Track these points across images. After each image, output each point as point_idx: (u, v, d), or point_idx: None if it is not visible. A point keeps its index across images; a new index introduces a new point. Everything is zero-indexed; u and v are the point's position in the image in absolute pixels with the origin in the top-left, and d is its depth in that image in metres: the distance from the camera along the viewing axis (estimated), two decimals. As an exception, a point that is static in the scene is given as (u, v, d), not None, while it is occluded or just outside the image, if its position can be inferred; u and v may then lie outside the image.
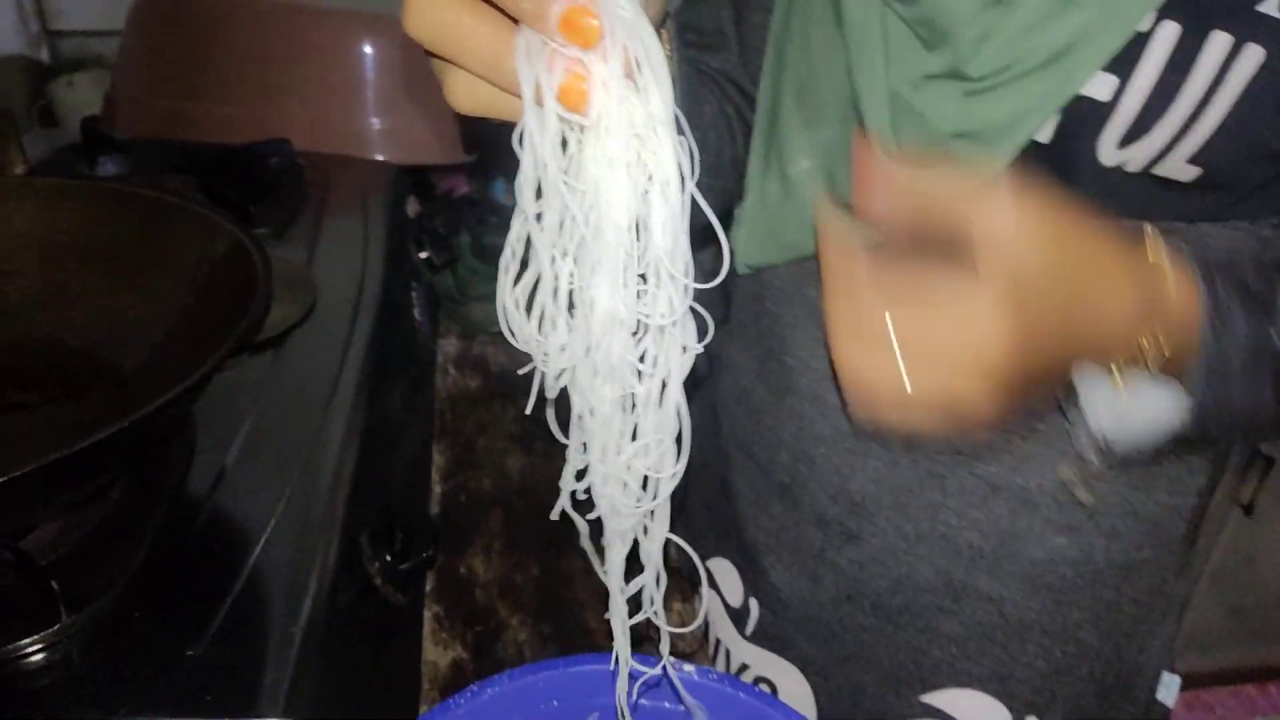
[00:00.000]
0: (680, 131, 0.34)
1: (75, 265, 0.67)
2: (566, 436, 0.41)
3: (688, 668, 0.55)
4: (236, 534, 0.61)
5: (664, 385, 0.38)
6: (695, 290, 0.36)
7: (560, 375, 0.38)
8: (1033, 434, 0.58)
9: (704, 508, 0.76)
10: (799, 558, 0.67)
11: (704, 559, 0.75)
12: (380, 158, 1.16)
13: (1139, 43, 0.46)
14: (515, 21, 0.33)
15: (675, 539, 0.43)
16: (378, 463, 0.74)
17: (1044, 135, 0.50)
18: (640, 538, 0.42)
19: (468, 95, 0.35)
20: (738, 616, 0.72)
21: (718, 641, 0.75)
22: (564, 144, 0.34)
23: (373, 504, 0.70)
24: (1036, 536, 0.60)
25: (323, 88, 1.15)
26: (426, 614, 0.76)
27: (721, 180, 0.67)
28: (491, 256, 1.09)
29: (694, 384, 0.39)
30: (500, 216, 1.16)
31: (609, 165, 0.33)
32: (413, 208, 1.13)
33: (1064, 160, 0.50)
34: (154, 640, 0.54)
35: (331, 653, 0.57)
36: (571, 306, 0.37)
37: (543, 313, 0.37)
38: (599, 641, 0.74)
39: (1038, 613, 0.62)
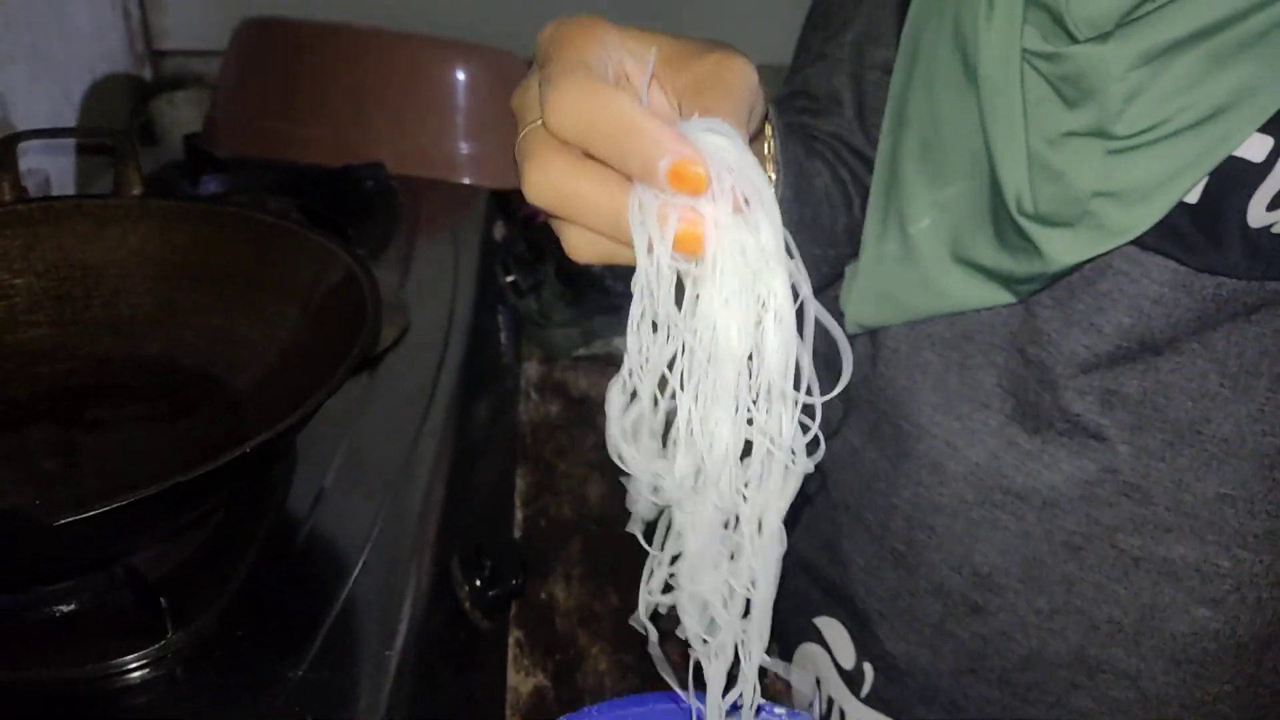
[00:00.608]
0: (790, 254, 0.35)
1: (188, 285, 0.69)
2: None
3: (779, 710, 0.54)
4: (334, 556, 0.62)
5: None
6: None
7: (662, 496, 0.38)
8: (1176, 503, 0.57)
9: (805, 568, 0.75)
10: (916, 627, 0.65)
11: (811, 616, 0.74)
12: (469, 181, 1.18)
13: None
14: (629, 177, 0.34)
15: (772, 663, 0.42)
16: (466, 487, 0.75)
17: (1192, 196, 0.49)
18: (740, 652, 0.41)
19: (588, 249, 0.37)
20: (850, 679, 0.71)
21: (830, 700, 0.73)
22: (679, 282, 0.35)
23: (462, 528, 0.71)
24: (1179, 610, 0.58)
25: (415, 112, 1.18)
26: (509, 639, 0.76)
27: (836, 249, 0.66)
28: (574, 281, 1.10)
29: (803, 500, 0.39)
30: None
31: (725, 303, 0.34)
32: (499, 231, 1.15)
33: (1210, 221, 0.49)
34: (255, 660, 0.55)
35: (423, 676, 0.58)
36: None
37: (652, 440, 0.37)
38: (680, 673, 0.74)
39: (1176, 687, 0.60)
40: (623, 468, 0.38)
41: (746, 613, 0.40)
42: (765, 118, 0.51)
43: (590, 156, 0.35)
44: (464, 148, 1.19)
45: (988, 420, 0.60)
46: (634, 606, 0.89)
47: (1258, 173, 0.46)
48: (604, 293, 1.09)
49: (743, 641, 0.41)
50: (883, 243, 0.61)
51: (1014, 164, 0.52)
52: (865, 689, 0.70)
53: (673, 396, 0.36)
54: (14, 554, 0.46)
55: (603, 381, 1.12)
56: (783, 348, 0.35)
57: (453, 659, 0.64)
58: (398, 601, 0.60)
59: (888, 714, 0.69)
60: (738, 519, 0.38)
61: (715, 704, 0.44)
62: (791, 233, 0.45)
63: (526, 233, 1.17)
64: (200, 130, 1.22)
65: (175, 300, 0.69)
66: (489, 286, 1.02)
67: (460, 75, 1.18)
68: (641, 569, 0.40)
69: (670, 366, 0.36)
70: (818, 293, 0.55)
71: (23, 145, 0.74)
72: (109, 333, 0.68)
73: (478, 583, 0.67)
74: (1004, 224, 0.53)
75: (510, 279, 1.07)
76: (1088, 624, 0.60)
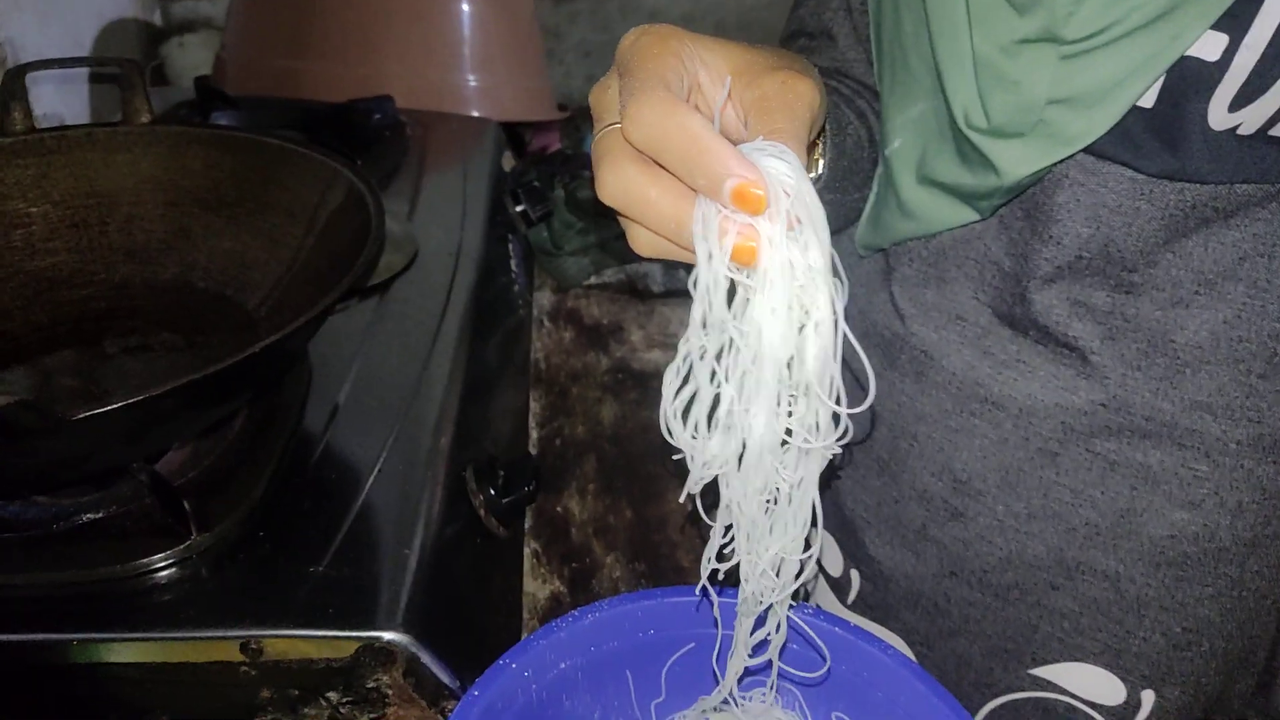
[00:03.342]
0: (835, 274, 0.38)
1: (199, 209, 0.71)
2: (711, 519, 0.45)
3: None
4: (350, 466, 0.64)
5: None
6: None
7: (709, 474, 0.43)
8: (1154, 411, 0.57)
9: None
10: (900, 533, 0.66)
11: None
12: (477, 114, 1.18)
13: None
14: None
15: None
16: (478, 405, 0.77)
17: (1148, 100, 0.48)
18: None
19: (650, 246, 0.40)
20: (838, 586, 0.72)
21: (818, 608, 0.75)
22: (731, 286, 0.39)
23: (475, 442, 0.73)
24: (1157, 513, 0.58)
25: (422, 46, 1.18)
26: (526, 549, 0.78)
27: (869, 189, 0.66)
28: (585, 210, 1.11)
29: (830, 474, 0.42)
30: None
31: (772, 312, 0.38)
32: (508, 163, 1.15)
33: (1171, 126, 0.48)
34: (278, 558, 0.58)
35: (441, 576, 0.60)
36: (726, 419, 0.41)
37: (699, 422, 0.42)
38: (691, 580, 0.76)
39: (1156, 589, 0.60)
40: (671, 443, 0.42)
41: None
42: (824, 125, 0.53)
43: (661, 165, 0.38)
44: (472, 80, 1.20)
45: (965, 331, 0.60)
46: (648, 520, 0.91)
47: (1214, 72, 0.45)
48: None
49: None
50: (877, 166, 0.62)
51: (960, 76, 0.51)
52: (852, 595, 0.71)
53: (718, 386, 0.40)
54: (35, 450, 0.48)
55: (614, 308, 1.14)
56: (821, 354, 0.39)
57: (469, 562, 0.66)
58: (414, 506, 0.62)
59: (874, 620, 0.70)
60: (776, 496, 0.43)
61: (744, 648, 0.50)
62: (836, 184, 0.49)
63: (536, 164, 1.18)
64: (209, 73, 1.23)
65: (187, 225, 0.71)
66: (499, 217, 1.03)
67: (466, 8, 1.18)
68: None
69: (719, 360, 0.40)
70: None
71: (36, 90, 0.75)
72: (125, 258, 0.70)
73: (492, 491, 0.69)
74: (962, 140, 0.53)
75: (520, 209, 1.08)
76: (1065, 527, 0.60)
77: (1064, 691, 0.64)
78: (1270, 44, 0.44)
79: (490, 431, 0.79)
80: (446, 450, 0.68)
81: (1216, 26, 0.44)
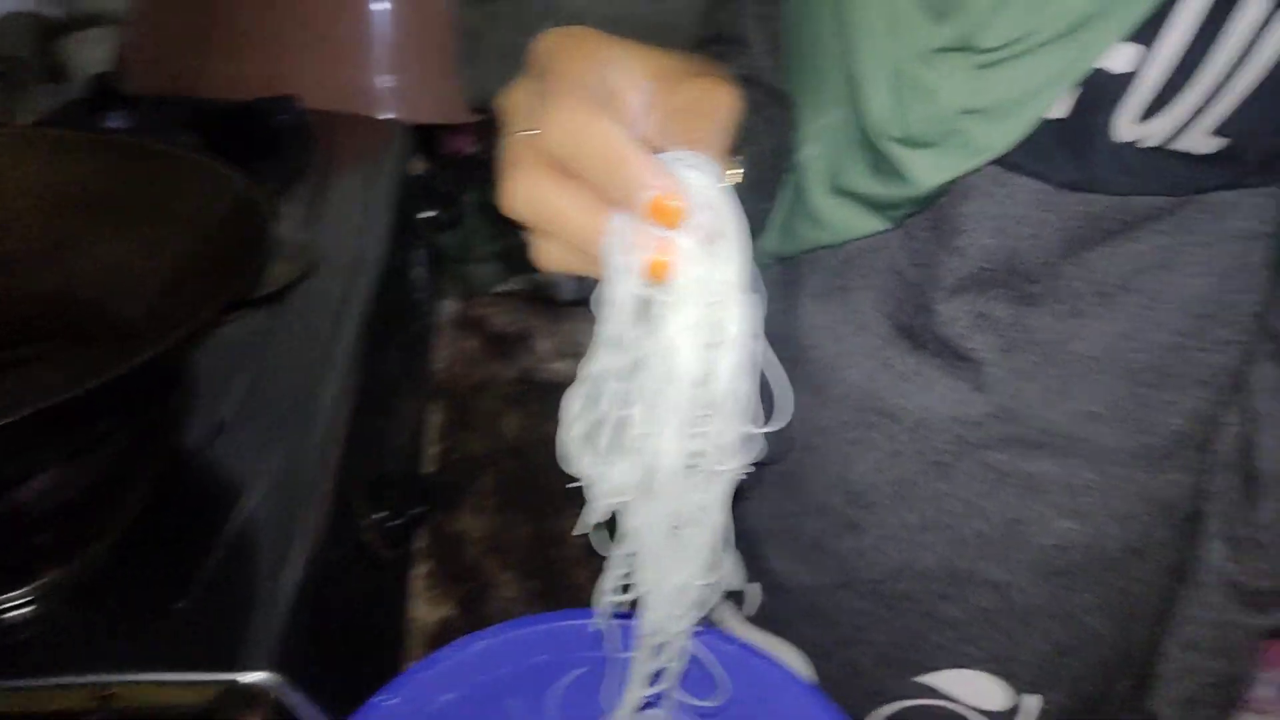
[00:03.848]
0: (753, 288, 0.37)
1: (81, 216, 0.68)
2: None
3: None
4: (229, 490, 0.62)
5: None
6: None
7: (612, 503, 0.41)
8: (1045, 423, 0.58)
9: None
10: (798, 545, 0.67)
11: None
12: (387, 116, 1.16)
13: (1164, 10, 0.44)
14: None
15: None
16: (372, 421, 0.75)
17: (1060, 111, 0.48)
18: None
19: (558, 260, 0.39)
20: (738, 599, 0.72)
21: (710, 625, 0.75)
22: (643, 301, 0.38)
23: (366, 462, 0.72)
24: (1045, 523, 0.59)
25: (331, 45, 1.15)
26: (417, 572, 0.77)
27: (776, 200, 0.65)
28: (496, 217, 1.10)
29: (737, 497, 0.42)
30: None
31: (684, 329, 0.37)
32: (417, 167, 1.13)
33: (1078, 137, 0.48)
34: (140, 594, 0.55)
35: (319, 608, 0.58)
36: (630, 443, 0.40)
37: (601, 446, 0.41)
38: (587, 599, 0.76)
39: (1043, 598, 0.61)
40: (570, 472, 0.40)
41: None
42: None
43: (572, 175, 0.36)
44: (382, 81, 1.17)
45: (865, 342, 0.60)
46: (546, 536, 0.91)
47: (1123, 83, 0.46)
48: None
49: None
50: (787, 174, 0.61)
51: (876, 85, 0.51)
52: (751, 609, 0.71)
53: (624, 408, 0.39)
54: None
55: (521, 317, 1.13)
56: (734, 372, 0.38)
57: (353, 589, 0.65)
58: (292, 533, 0.60)
59: (772, 632, 0.70)
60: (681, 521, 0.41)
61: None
62: (745, 194, 0.48)
63: (447, 168, 1.16)
64: (110, 69, 1.19)
65: (69, 233, 0.68)
66: (405, 222, 1.01)
67: (378, 6, 1.16)
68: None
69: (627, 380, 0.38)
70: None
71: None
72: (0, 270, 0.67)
73: (380, 514, 0.67)
74: (875, 150, 0.53)
75: (428, 214, 1.06)
76: (955, 538, 0.61)
77: (950, 698, 0.65)
78: (1179, 58, 0.45)
79: (384, 449, 0.77)
80: (333, 470, 0.66)
81: (1128, 39, 0.45)
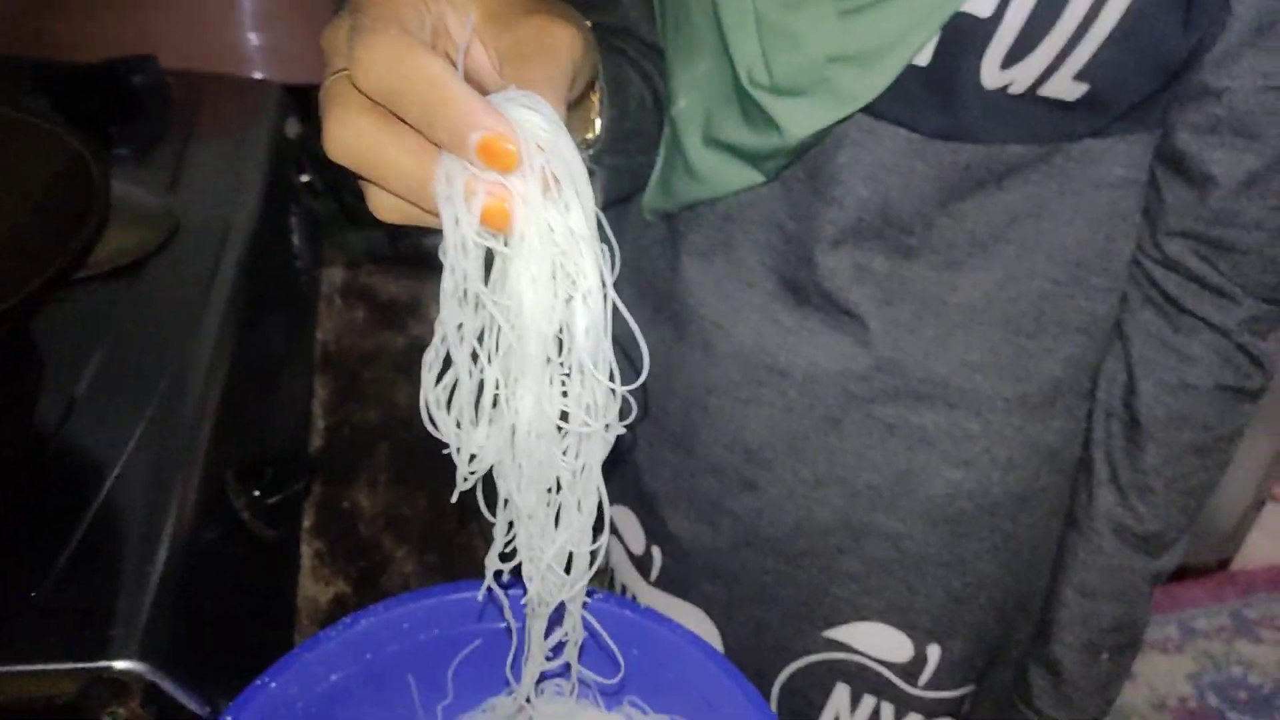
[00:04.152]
0: (603, 239, 0.35)
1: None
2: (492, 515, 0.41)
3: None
4: (86, 470, 0.58)
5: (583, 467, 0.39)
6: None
7: (480, 467, 0.39)
8: (928, 374, 0.58)
9: None
10: (697, 506, 0.66)
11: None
12: (258, 76, 1.10)
13: None
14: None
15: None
16: (248, 396, 0.71)
17: (923, 58, 0.48)
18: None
19: (392, 210, 0.36)
20: (641, 564, 0.71)
21: (623, 587, 0.74)
22: (488, 255, 0.35)
23: (241, 438, 0.67)
24: (933, 472, 0.60)
25: (195, 1, 1.08)
26: (307, 550, 0.73)
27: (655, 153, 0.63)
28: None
29: (616, 458, 0.40)
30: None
31: (532, 280, 0.35)
32: (294, 129, 1.07)
33: (945, 84, 0.48)
34: (-2, 581, 0.51)
35: (193, 591, 0.55)
36: (495, 405, 0.37)
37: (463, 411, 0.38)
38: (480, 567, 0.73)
39: (936, 546, 0.62)
40: (435, 435, 0.38)
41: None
42: (595, 79, 0.48)
43: (398, 117, 0.33)
44: (252, 39, 1.11)
45: (751, 299, 0.59)
46: (444, 509, 0.87)
47: (986, 28, 0.46)
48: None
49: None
50: (665, 128, 0.59)
51: (743, 33, 0.50)
52: (654, 573, 0.70)
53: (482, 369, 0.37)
54: None
55: (411, 285, 1.08)
56: (592, 328, 0.36)
57: (231, 571, 0.61)
58: (160, 514, 0.56)
59: (675, 594, 0.69)
60: (559, 483, 0.39)
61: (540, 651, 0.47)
62: (618, 145, 0.45)
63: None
64: (-51, 28, 1.10)
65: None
66: (280, 188, 0.96)
67: (243, -41, 1.09)
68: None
69: (481, 339, 0.36)
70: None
71: None
72: None
73: (256, 492, 0.63)
74: (746, 99, 0.52)
75: (306, 179, 1.01)
76: (849, 491, 0.61)
77: (855, 651, 0.65)
78: (1039, 2, 0.44)
79: (261, 425, 0.73)
80: (204, 449, 0.61)
81: None
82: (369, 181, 0.35)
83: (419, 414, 0.96)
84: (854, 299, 0.56)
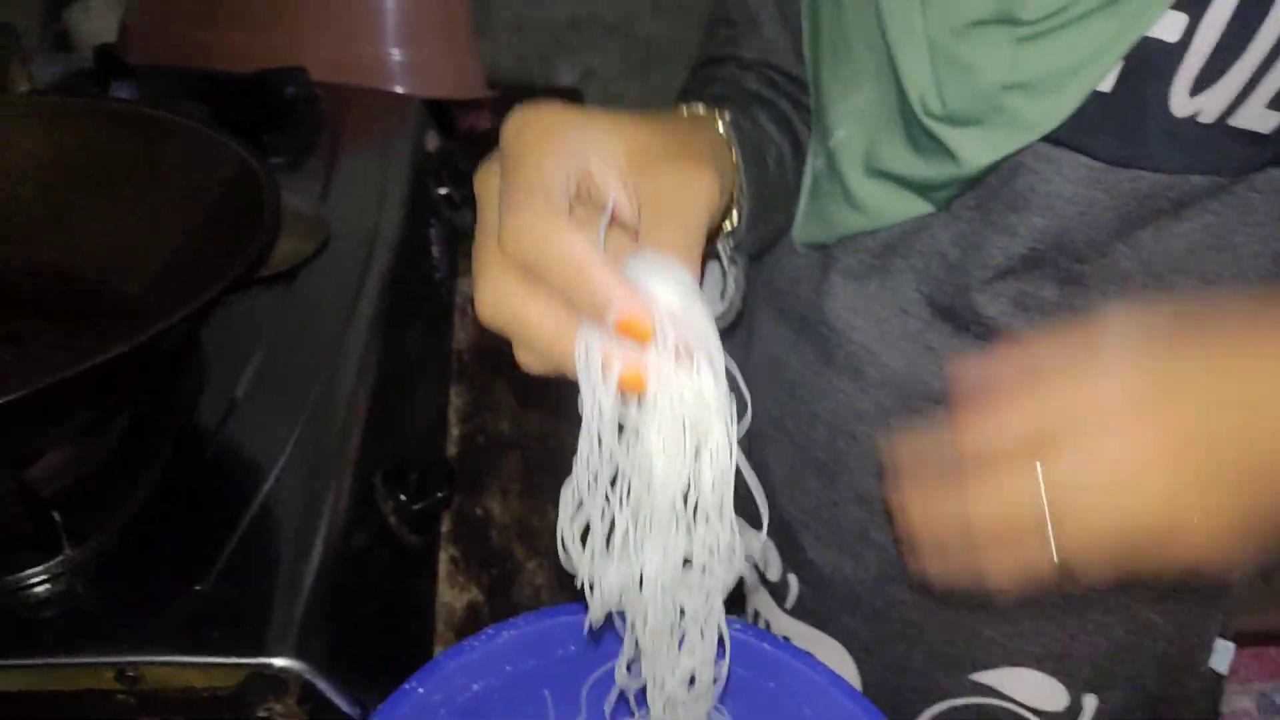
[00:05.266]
0: (733, 387, 0.37)
1: (80, 187, 0.65)
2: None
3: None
4: (246, 469, 0.59)
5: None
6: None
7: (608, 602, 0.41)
8: None
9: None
10: (839, 536, 0.64)
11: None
12: (400, 90, 1.13)
13: None
14: None
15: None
16: (392, 402, 0.72)
17: (1107, 84, 0.46)
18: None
19: (536, 364, 0.38)
20: (776, 590, 0.70)
21: (756, 613, 0.72)
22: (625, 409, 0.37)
23: (387, 443, 0.68)
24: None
25: (342, 16, 1.12)
26: (442, 556, 0.74)
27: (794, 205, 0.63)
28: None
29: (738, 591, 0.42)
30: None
31: (662, 441, 0.37)
32: (433, 143, 1.10)
33: (1129, 111, 0.46)
34: (160, 574, 0.53)
35: (343, 593, 0.56)
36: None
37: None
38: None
39: (1099, 591, 0.59)
40: (566, 568, 0.40)
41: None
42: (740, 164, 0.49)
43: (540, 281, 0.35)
44: (395, 54, 1.14)
45: (906, 325, 0.58)
46: (574, 522, 0.86)
47: (1174, 53, 0.43)
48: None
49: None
50: (815, 158, 0.58)
51: (914, 61, 0.49)
52: (790, 600, 0.68)
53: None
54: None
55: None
56: (718, 482, 0.38)
57: (378, 574, 0.62)
58: (315, 516, 0.57)
59: (813, 624, 0.67)
60: (683, 612, 0.41)
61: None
62: (758, 218, 0.46)
63: (463, 145, 1.12)
64: (115, 39, 1.15)
65: (68, 204, 0.65)
66: (420, 200, 0.98)
67: (390, -23, 1.12)
68: None
69: (613, 485, 0.38)
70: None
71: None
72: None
73: (402, 497, 0.64)
74: (915, 128, 0.50)
75: (444, 192, 1.03)
76: None
77: (1005, 697, 0.63)
78: (1230, 22, 0.42)
79: (404, 431, 0.74)
80: (354, 453, 0.63)
81: (1176, 6, 0.43)
82: (513, 339, 0.37)
83: (550, 427, 0.96)
84: (1016, 327, 0.54)
